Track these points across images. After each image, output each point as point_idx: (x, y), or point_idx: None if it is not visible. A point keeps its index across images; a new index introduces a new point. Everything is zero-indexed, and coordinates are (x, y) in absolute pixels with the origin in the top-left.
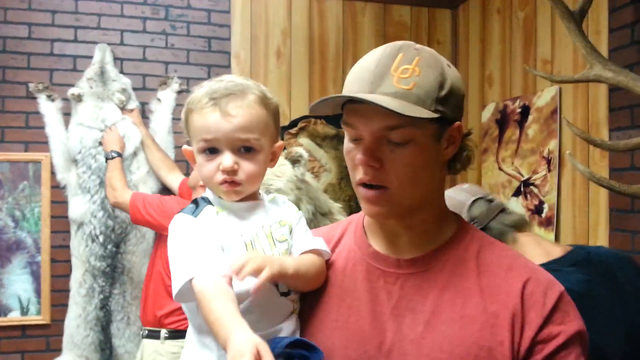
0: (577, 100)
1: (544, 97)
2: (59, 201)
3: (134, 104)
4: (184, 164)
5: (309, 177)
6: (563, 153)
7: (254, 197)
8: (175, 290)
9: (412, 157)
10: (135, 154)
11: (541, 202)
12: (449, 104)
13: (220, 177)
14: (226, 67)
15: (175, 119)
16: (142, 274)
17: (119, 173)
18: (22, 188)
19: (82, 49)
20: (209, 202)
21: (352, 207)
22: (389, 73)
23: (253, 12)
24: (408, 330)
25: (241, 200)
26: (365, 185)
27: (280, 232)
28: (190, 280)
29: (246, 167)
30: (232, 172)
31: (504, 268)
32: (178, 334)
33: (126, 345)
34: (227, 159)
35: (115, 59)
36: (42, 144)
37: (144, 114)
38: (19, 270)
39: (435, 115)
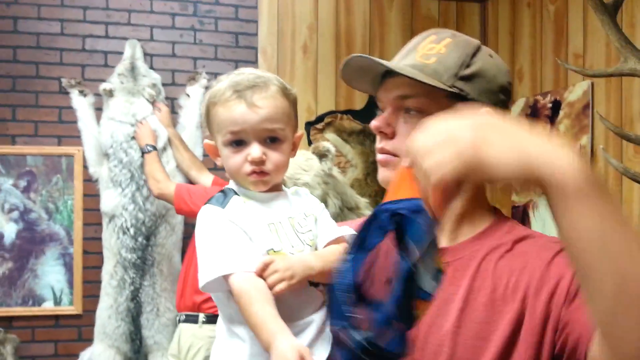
0: (610, 95)
1: (576, 91)
2: (91, 194)
3: (162, 104)
4: (210, 159)
5: (336, 171)
6: (595, 149)
7: (278, 188)
8: (202, 282)
9: None
10: (164, 149)
11: None
12: (474, 84)
13: (248, 168)
14: (253, 63)
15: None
16: (171, 266)
17: (158, 165)
18: (56, 181)
19: (113, 44)
20: (235, 193)
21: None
22: (415, 49)
23: (280, 7)
24: (442, 321)
25: (267, 190)
26: (378, 152)
27: (305, 222)
28: (223, 275)
29: (273, 157)
30: (261, 162)
31: (539, 249)
32: (215, 318)
33: (155, 336)
34: (255, 149)
35: (145, 54)
36: (75, 138)
37: (173, 109)
38: (52, 261)
39: (448, 89)
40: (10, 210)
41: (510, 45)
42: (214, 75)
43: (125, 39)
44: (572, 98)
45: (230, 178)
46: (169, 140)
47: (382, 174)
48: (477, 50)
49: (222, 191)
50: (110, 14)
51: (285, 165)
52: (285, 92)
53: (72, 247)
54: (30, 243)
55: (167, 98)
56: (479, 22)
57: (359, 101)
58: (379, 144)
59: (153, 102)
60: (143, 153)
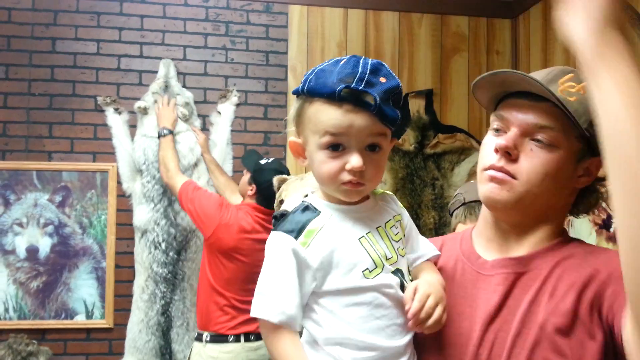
0: None
1: None
2: (124, 209)
3: (199, 130)
4: (241, 174)
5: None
6: None
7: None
8: (254, 314)
9: (548, 162)
10: (196, 165)
11: (609, 217)
12: (598, 134)
13: (346, 177)
14: (283, 80)
15: (234, 131)
16: None
17: (172, 152)
18: (90, 196)
19: (147, 64)
20: (314, 209)
21: None
22: (556, 82)
23: (310, 25)
24: (515, 326)
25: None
26: (493, 169)
27: (395, 230)
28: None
29: (372, 167)
30: (360, 173)
31: (607, 264)
32: (219, 338)
33: (185, 351)
34: (356, 159)
35: (179, 73)
36: (109, 154)
37: (204, 126)
38: (85, 275)
39: (586, 133)
40: (46, 225)
41: (543, 61)
42: (245, 93)
43: (159, 58)
44: None
45: (318, 182)
46: (205, 164)
47: (492, 190)
48: None
49: (301, 209)
50: (144, 34)
51: (381, 175)
52: None
53: (104, 261)
54: (64, 257)
55: (199, 115)
56: (510, 38)
57: None
58: (499, 162)
59: (187, 121)
60: (159, 136)
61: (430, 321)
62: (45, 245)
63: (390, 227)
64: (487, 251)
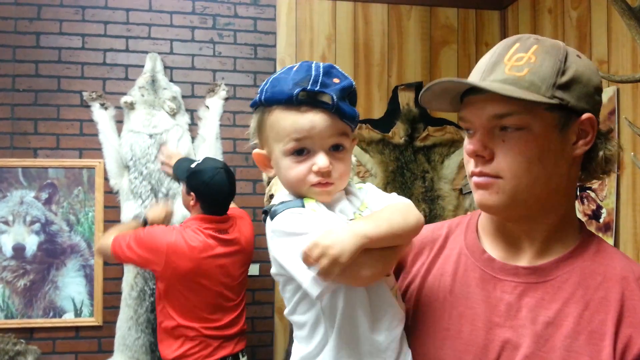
0: (637, 101)
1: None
2: (112, 206)
3: (166, 147)
4: (231, 169)
5: (356, 180)
6: (622, 156)
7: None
8: (317, 289)
9: (525, 146)
10: None
11: (599, 207)
12: (573, 92)
13: (314, 178)
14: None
15: (223, 126)
16: None
17: (124, 229)
18: (77, 193)
19: (134, 58)
20: (297, 200)
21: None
22: (501, 62)
23: (298, 18)
24: (529, 343)
25: None
26: (474, 175)
27: (367, 213)
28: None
29: (338, 166)
30: (327, 173)
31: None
32: None
33: None
34: (322, 159)
35: (165, 67)
36: (96, 150)
37: (193, 121)
38: (73, 273)
39: (551, 101)
40: (32, 223)
41: None
42: (233, 87)
43: (146, 52)
44: None
45: (287, 189)
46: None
47: (482, 196)
48: (566, 53)
49: (281, 202)
50: (130, 28)
51: (348, 173)
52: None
53: (92, 259)
54: (52, 255)
55: (187, 110)
56: (499, 30)
57: (378, 111)
58: (476, 167)
59: (174, 116)
60: (143, 223)
61: (317, 272)
62: (32, 243)
63: (363, 211)
64: (493, 248)
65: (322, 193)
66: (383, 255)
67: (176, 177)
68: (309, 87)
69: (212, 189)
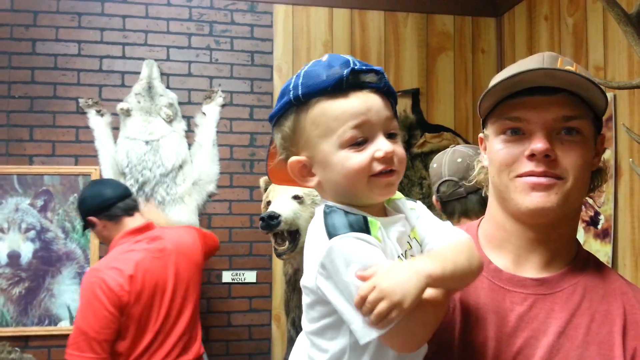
0: (634, 107)
1: None
2: None
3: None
4: (228, 176)
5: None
6: (619, 162)
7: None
8: (367, 336)
9: (582, 150)
10: (181, 166)
11: (597, 214)
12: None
13: (377, 167)
14: (269, 80)
15: (220, 132)
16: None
17: None
18: (73, 200)
19: (130, 65)
20: (354, 212)
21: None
22: (555, 65)
23: (295, 25)
24: (540, 354)
25: (373, 212)
26: (534, 175)
27: (410, 254)
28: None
29: (399, 151)
30: (391, 159)
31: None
32: None
33: None
34: (384, 143)
35: (162, 74)
36: (92, 157)
37: (189, 128)
38: (68, 280)
39: (603, 110)
40: (27, 230)
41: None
42: (230, 93)
43: (142, 59)
44: None
45: (340, 190)
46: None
47: (540, 198)
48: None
49: (329, 211)
50: (127, 34)
51: (405, 162)
52: None
53: (88, 266)
54: (47, 262)
55: (183, 117)
56: (495, 37)
57: None
58: (538, 167)
59: (171, 122)
60: None
61: (372, 317)
62: (27, 250)
63: (412, 238)
64: (499, 259)
65: (385, 186)
66: (434, 312)
67: (85, 226)
68: (357, 67)
69: (106, 202)
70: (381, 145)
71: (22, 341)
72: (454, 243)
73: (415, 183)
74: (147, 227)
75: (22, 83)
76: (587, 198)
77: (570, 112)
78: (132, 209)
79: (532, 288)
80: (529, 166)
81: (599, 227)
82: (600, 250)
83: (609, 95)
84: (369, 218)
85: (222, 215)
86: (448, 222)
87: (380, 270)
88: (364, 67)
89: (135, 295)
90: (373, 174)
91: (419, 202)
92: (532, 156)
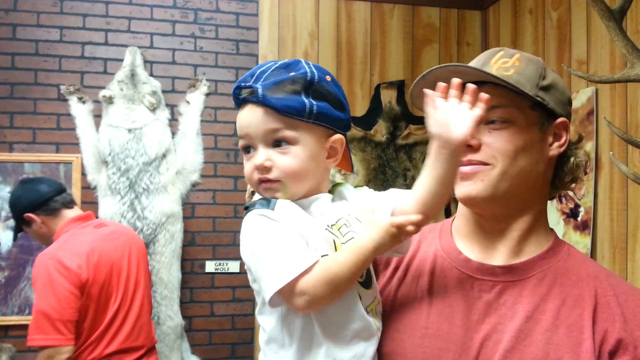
0: (615, 101)
1: (580, 98)
2: (90, 202)
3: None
4: (212, 165)
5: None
6: (600, 155)
7: (316, 191)
8: (271, 293)
9: (512, 137)
10: (164, 155)
11: (577, 206)
12: (552, 95)
13: (256, 175)
14: None
15: (204, 121)
16: (170, 274)
17: None
18: None
19: (113, 52)
20: (271, 200)
21: None
22: (488, 64)
23: (281, 14)
24: (508, 339)
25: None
26: (465, 164)
27: (346, 229)
28: (292, 282)
29: (281, 162)
30: (265, 169)
31: (616, 291)
32: None
33: (156, 345)
34: (258, 156)
35: (145, 61)
36: (73, 145)
37: (173, 116)
38: None
39: (536, 98)
40: (7, 218)
41: None
42: (214, 82)
43: (125, 46)
44: (576, 104)
45: None
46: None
47: (466, 187)
48: (544, 64)
49: (263, 198)
50: (109, 21)
51: (296, 171)
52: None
53: None
54: (27, 251)
55: (167, 105)
56: (480, 30)
57: (360, 108)
58: (464, 157)
59: (154, 110)
60: None
61: None
62: (7, 239)
63: (339, 228)
64: (469, 249)
65: (266, 191)
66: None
67: (17, 229)
68: (240, 84)
69: (35, 193)
70: (256, 158)
71: (2, 330)
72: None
73: (399, 174)
74: (89, 216)
75: (2, 69)
76: (568, 191)
77: (493, 101)
78: (70, 202)
79: (501, 276)
80: None
81: (579, 219)
82: (580, 242)
83: (591, 89)
84: (278, 200)
85: (205, 205)
86: (391, 190)
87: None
88: (241, 84)
89: (94, 274)
90: (257, 182)
91: (365, 188)
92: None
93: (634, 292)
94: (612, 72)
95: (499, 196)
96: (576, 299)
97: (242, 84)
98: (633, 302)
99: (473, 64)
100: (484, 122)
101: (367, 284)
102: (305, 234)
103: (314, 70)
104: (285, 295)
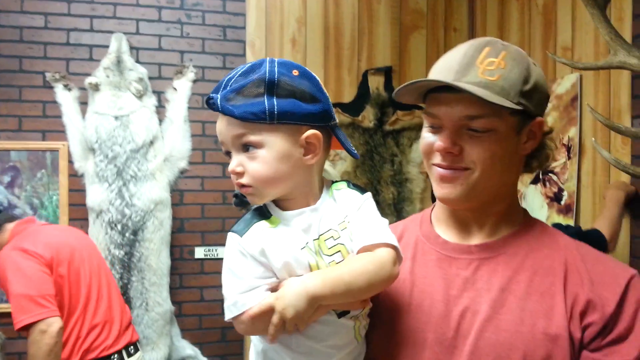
0: (598, 88)
1: (564, 84)
2: (77, 189)
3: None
4: (200, 152)
5: (327, 164)
6: (583, 141)
7: (307, 199)
8: (227, 318)
9: (493, 145)
10: (152, 142)
11: (560, 190)
12: (533, 98)
13: (234, 180)
14: (241, 56)
15: (191, 108)
16: (159, 261)
17: None
18: (40, 176)
19: (98, 38)
20: (263, 214)
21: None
22: (474, 64)
23: (268, 0)
24: (485, 309)
25: (294, 206)
26: (441, 167)
27: (333, 242)
28: (233, 319)
29: (250, 167)
30: (237, 175)
31: (584, 258)
32: None
33: (145, 330)
34: (231, 163)
35: (131, 48)
36: (60, 132)
37: (160, 103)
38: None
39: (518, 107)
40: None
41: (499, 38)
42: (202, 69)
43: (111, 32)
44: (561, 91)
45: None
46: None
47: (445, 189)
48: (529, 62)
49: (254, 209)
50: (95, 7)
51: (266, 175)
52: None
53: None
54: None
55: (153, 92)
56: (467, 16)
57: (348, 94)
58: (444, 161)
59: (140, 97)
60: None
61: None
62: None
63: (329, 238)
64: (447, 233)
65: (247, 195)
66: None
67: None
68: (209, 95)
69: None
70: (231, 164)
71: None
72: (365, 260)
73: (386, 160)
74: (33, 220)
75: None
76: (551, 175)
77: (475, 111)
78: (10, 217)
79: (476, 253)
80: (438, 158)
81: (562, 202)
82: None
83: (575, 75)
84: (259, 221)
85: (194, 192)
86: (382, 222)
87: (279, 292)
88: (209, 95)
89: (57, 254)
90: (236, 184)
91: (367, 194)
92: (438, 151)
93: (601, 258)
94: (596, 59)
95: (475, 196)
96: (548, 268)
97: (210, 95)
98: (600, 265)
99: (458, 57)
100: (465, 127)
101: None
102: (274, 261)
103: (275, 69)
104: (234, 323)
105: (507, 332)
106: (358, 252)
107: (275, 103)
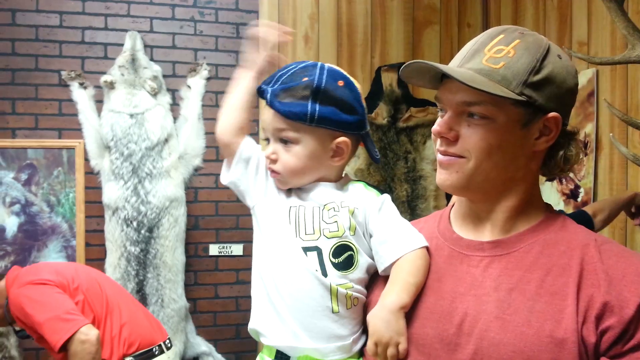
0: (615, 83)
1: (580, 79)
2: (93, 187)
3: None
4: (214, 150)
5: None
6: (600, 136)
7: (326, 180)
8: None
9: (489, 135)
10: (166, 140)
11: (577, 187)
12: (543, 91)
13: (267, 164)
14: None
15: (205, 106)
16: (174, 258)
17: None
18: (57, 174)
19: (113, 36)
20: None
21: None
22: (482, 51)
23: None
24: (492, 308)
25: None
26: (440, 153)
27: (334, 213)
28: None
29: (283, 158)
30: (271, 161)
31: (604, 256)
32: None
33: None
34: (268, 148)
35: (146, 46)
36: (76, 130)
37: (174, 101)
38: (54, 254)
39: (518, 98)
40: (12, 204)
41: None
42: (215, 66)
43: (125, 30)
44: None
45: None
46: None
47: (443, 176)
48: (547, 52)
49: None
50: (109, 5)
51: (292, 168)
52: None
53: (74, 240)
54: (32, 236)
55: (168, 90)
56: (481, 12)
57: (361, 91)
58: (441, 146)
59: (155, 95)
60: None
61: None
62: (12, 224)
63: (328, 210)
64: (462, 229)
65: (274, 179)
66: None
67: None
68: (261, 85)
69: None
70: (267, 149)
71: None
72: (412, 260)
73: (400, 157)
74: (18, 267)
75: (2, 55)
76: (568, 173)
77: (471, 98)
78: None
79: (488, 250)
80: (438, 143)
81: (579, 199)
82: None
83: (591, 70)
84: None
85: (208, 189)
86: (407, 225)
87: (370, 328)
88: (261, 87)
89: (63, 276)
90: (268, 168)
91: (386, 196)
92: (439, 136)
93: (624, 254)
94: (613, 54)
95: (475, 187)
96: (563, 267)
97: (261, 85)
98: (622, 263)
99: (469, 45)
100: (466, 114)
101: (341, 266)
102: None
103: (323, 77)
104: None
105: (512, 333)
106: (400, 259)
107: (317, 108)
